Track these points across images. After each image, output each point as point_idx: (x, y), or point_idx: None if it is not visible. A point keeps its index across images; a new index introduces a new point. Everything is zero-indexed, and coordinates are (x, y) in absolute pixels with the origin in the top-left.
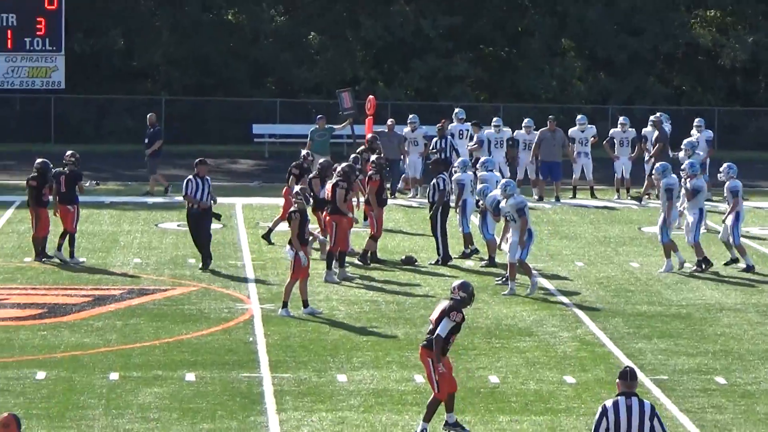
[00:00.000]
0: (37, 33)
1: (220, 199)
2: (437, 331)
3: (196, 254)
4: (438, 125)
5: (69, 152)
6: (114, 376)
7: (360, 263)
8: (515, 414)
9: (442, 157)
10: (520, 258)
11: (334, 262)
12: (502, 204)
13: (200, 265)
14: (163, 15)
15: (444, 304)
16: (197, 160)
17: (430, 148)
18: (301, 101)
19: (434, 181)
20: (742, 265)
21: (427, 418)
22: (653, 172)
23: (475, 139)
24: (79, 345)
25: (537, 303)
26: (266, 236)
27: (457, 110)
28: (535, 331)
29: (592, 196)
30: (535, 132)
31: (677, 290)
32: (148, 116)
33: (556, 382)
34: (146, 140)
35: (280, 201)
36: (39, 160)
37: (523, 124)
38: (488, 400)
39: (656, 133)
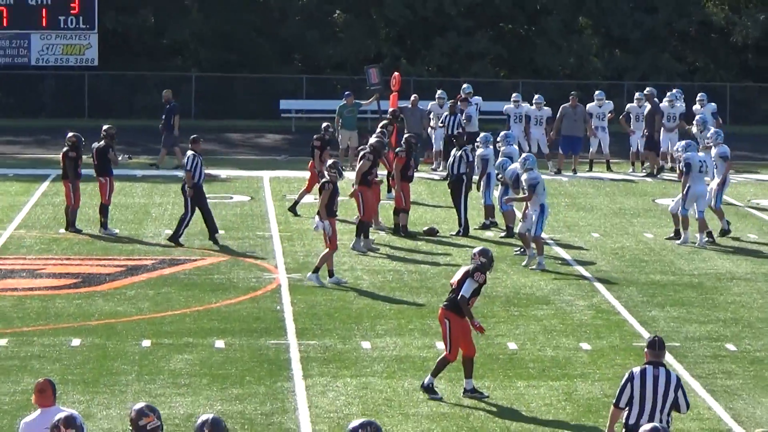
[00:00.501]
0: (71, 11)
1: (247, 173)
2: (461, 292)
3: (225, 226)
4: (451, 102)
5: (105, 126)
6: (146, 343)
7: (402, 235)
8: (533, 379)
9: (448, 133)
10: (535, 234)
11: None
12: (523, 177)
13: (209, 238)
14: None
15: (466, 268)
16: (193, 137)
17: (439, 122)
18: (326, 77)
19: (459, 153)
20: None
21: (434, 374)
22: (677, 148)
23: (464, 114)
24: (112, 313)
25: (554, 272)
26: (292, 208)
27: (464, 86)
28: (552, 300)
29: (608, 169)
30: (546, 108)
31: (689, 260)
32: (163, 92)
33: (572, 348)
34: (163, 116)
35: (307, 174)
36: (72, 133)
37: (533, 101)
38: (507, 366)
39: (648, 107)
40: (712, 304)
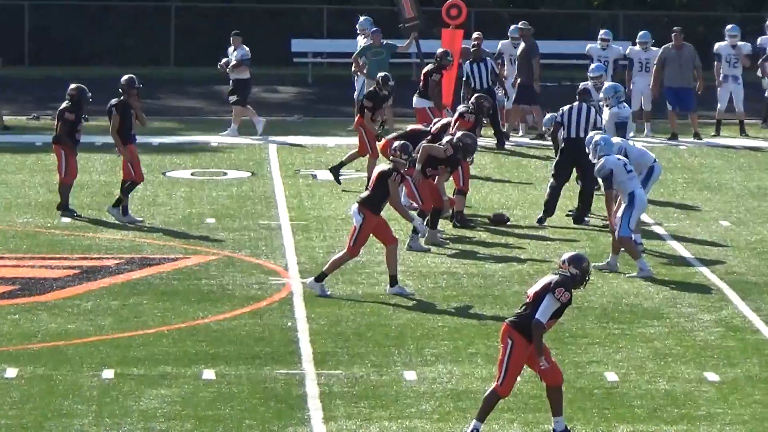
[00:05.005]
0: None
1: (247, 140)
2: (537, 315)
3: (217, 212)
4: (474, 44)
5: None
6: (108, 374)
7: (457, 225)
8: (639, 422)
9: (477, 87)
10: (619, 234)
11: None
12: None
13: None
14: None
15: (549, 278)
16: None
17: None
18: (352, 8)
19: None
20: None
21: (481, 417)
22: None
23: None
24: (61, 333)
25: (669, 276)
26: (335, 170)
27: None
28: (666, 313)
29: (742, 132)
30: (653, 49)
31: None
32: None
33: (695, 380)
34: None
35: (328, 141)
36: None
37: (637, 39)
38: (603, 404)
39: (522, 45)
40: None
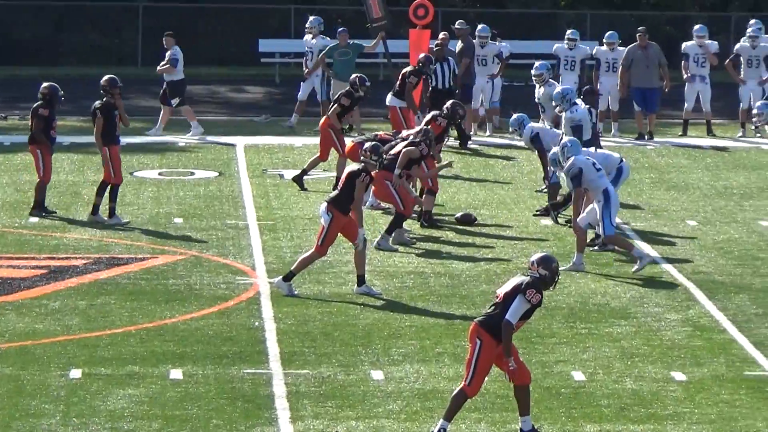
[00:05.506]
0: None
1: (215, 139)
2: (507, 315)
3: (184, 212)
4: (438, 42)
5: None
6: (76, 373)
7: (424, 225)
8: (607, 421)
9: (438, 87)
10: (603, 233)
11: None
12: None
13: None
14: None
15: (519, 279)
16: None
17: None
18: (320, 8)
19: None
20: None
21: (449, 416)
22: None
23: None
24: (29, 333)
25: (636, 275)
26: (298, 179)
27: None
28: (634, 312)
29: (709, 132)
30: (620, 48)
31: None
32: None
33: (662, 379)
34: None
35: (295, 141)
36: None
37: (604, 39)
38: (571, 404)
39: (459, 45)
40: None
